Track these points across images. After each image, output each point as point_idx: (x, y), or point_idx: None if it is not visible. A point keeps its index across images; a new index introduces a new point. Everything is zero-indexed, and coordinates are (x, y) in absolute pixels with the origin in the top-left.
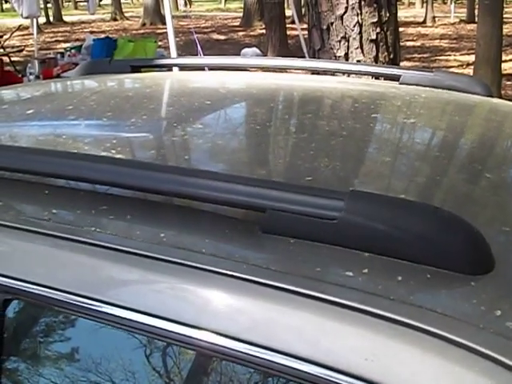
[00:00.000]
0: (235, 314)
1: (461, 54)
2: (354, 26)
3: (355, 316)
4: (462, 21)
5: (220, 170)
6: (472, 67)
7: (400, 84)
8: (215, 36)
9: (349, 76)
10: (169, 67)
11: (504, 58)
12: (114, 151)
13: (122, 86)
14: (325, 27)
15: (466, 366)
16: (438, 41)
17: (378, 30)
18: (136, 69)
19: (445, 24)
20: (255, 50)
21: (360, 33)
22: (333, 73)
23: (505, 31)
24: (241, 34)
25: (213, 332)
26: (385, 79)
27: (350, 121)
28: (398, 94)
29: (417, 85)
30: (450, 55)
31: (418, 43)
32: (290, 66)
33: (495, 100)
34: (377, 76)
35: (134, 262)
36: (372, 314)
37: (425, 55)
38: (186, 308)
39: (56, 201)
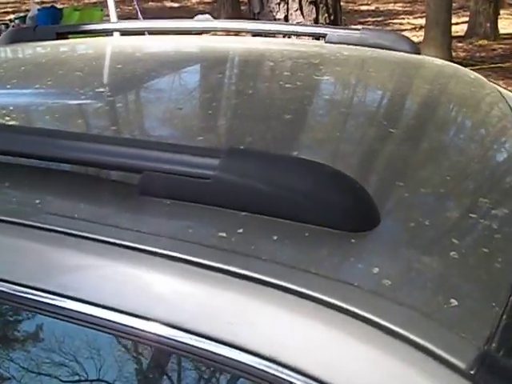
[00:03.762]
0: (101, 280)
1: (414, 17)
2: None
3: (220, 278)
4: None
5: (109, 132)
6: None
7: (326, 43)
8: (168, 4)
9: (275, 37)
10: (95, 33)
11: (456, 20)
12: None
13: (38, 53)
14: None
15: (337, 328)
16: (392, 4)
17: None
18: (62, 35)
19: None
20: (208, 16)
21: None
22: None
23: None
24: (194, 0)
25: (77, 300)
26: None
27: (261, 80)
28: (319, 52)
29: (343, 43)
30: (403, 18)
31: (372, 7)
32: (215, 28)
33: (421, 57)
34: (302, 35)
35: (2, 230)
36: (238, 276)
37: (378, 19)
38: (54, 275)
39: None
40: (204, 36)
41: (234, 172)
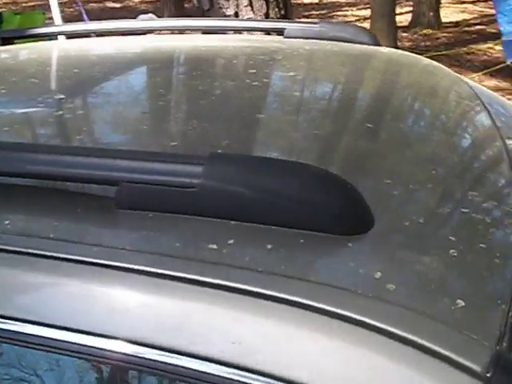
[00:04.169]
0: (87, 304)
1: (358, 9)
2: None
3: (219, 295)
4: None
5: (73, 142)
6: (369, 21)
7: (285, 38)
8: (110, 4)
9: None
10: (41, 36)
11: (400, 10)
12: None
13: None
14: None
15: (345, 340)
16: None
17: None
18: (7, 40)
19: None
20: (151, 15)
21: None
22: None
23: None
24: (136, 0)
25: (52, 327)
26: (269, 34)
27: (226, 80)
28: (279, 48)
29: (302, 38)
30: (347, 10)
31: (315, 0)
32: (166, 27)
33: (382, 49)
34: (260, 31)
35: None
36: (236, 290)
37: (322, 12)
38: (30, 300)
39: None
40: (157, 35)
41: (221, 178)
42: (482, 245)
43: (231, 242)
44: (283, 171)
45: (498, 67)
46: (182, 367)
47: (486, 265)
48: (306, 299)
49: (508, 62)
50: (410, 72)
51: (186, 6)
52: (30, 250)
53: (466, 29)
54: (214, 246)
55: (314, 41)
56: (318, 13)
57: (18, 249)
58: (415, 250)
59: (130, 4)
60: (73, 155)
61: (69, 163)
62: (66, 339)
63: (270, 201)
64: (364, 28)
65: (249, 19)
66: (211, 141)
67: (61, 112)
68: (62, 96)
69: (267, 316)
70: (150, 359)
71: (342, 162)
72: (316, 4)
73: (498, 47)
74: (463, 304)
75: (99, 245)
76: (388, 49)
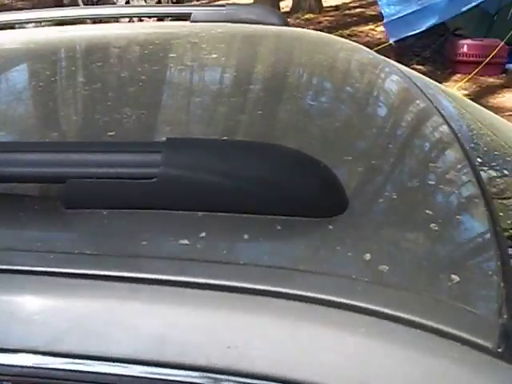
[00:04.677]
0: (43, 319)
1: None
2: None
3: (193, 294)
4: None
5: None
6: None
7: (192, 22)
8: None
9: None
10: None
11: None
12: None
13: None
14: None
15: (349, 330)
16: None
17: None
18: None
19: None
20: None
21: None
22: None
23: None
24: None
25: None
26: (176, 20)
27: (138, 67)
28: (188, 32)
29: (210, 21)
30: None
31: None
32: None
33: (292, 29)
34: (165, 17)
35: None
36: (223, 288)
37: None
38: None
39: None
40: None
41: (184, 166)
42: (457, 217)
43: (203, 235)
44: (253, 153)
45: (380, 47)
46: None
47: (467, 237)
48: (302, 290)
49: (390, 41)
50: (323, 49)
51: (64, 2)
52: None
53: (347, 12)
54: (186, 241)
55: (223, 24)
56: (199, 3)
57: None
58: (396, 227)
59: (5, 2)
60: (8, 152)
61: (5, 161)
62: None
63: (242, 186)
64: (272, 9)
65: (154, 5)
66: (149, 128)
67: None
68: None
69: (262, 314)
70: None
71: (296, 141)
72: None
73: (379, 28)
74: (458, 279)
75: (51, 251)
76: (296, 28)
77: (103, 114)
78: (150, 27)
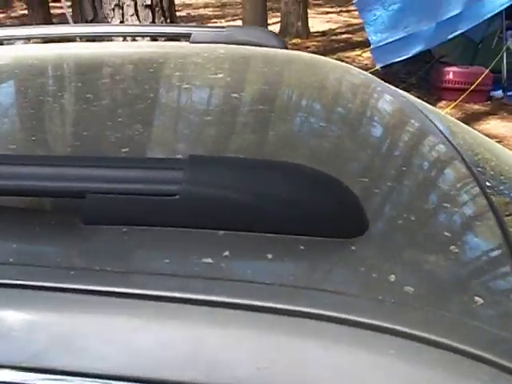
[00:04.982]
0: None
1: (226, 21)
2: None
3: (231, 314)
4: None
5: (18, 151)
6: None
7: (191, 43)
8: None
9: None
10: None
11: (268, 21)
12: None
13: None
14: None
15: (378, 352)
16: (202, 9)
17: None
18: None
19: None
20: None
21: None
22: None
23: None
24: (1, 16)
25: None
26: (175, 40)
27: (136, 88)
28: (189, 53)
29: (209, 42)
30: (216, 22)
31: (183, 13)
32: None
33: (292, 52)
34: (165, 36)
35: None
36: (250, 308)
37: (191, 24)
38: None
39: None
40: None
41: (207, 183)
42: (474, 238)
43: (226, 253)
44: (276, 173)
45: (368, 72)
46: None
47: (485, 258)
48: (326, 310)
49: (377, 67)
50: (322, 72)
51: (54, 21)
52: None
53: (334, 38)
54: (210, 260)
55: (223, 45)
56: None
57: None
58: (417, 249)
59: None
60: (28, 165)
61: (24, 174)
62: None
63: (265, 206)
64: (271, 31)
65: (153, 25)
66: (164, 145)
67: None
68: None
69: (287, 332)
70: None
71: (311, 161)
72: (184, 17)
73: (366, 54)
74: (482, 301)
75: (72, 268)
76: (295, 52)
77: (114, 130)
78: (153, 46)
